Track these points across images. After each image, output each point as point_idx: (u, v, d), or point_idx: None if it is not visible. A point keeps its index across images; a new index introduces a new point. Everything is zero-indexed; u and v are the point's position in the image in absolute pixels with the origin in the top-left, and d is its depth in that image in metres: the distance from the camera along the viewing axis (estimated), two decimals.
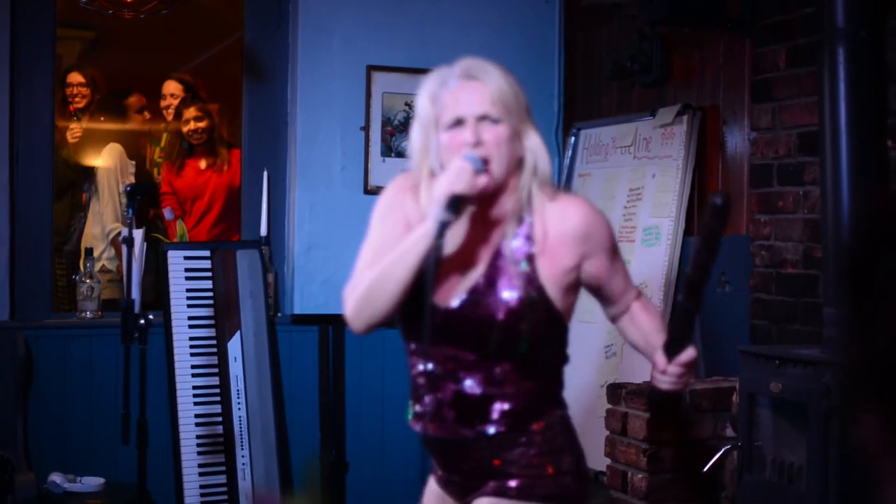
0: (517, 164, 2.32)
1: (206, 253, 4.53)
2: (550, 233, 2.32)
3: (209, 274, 4.49)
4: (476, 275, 2.32)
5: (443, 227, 2.18)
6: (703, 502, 3.58)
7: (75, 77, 5.70)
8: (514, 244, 2.31)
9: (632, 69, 4.52)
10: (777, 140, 3.89)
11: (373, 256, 2.32)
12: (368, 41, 4.94)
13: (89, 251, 4.83)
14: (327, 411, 4.40)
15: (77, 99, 5.66)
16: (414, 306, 2.29)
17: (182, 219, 5.48)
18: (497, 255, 2.32)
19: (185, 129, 5.41)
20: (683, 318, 2.30)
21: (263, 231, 4.86)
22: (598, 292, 2.44)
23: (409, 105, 4.72)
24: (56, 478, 4.18)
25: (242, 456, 4.38)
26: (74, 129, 5.63)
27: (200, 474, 4.33)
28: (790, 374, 3.16)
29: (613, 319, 2.51)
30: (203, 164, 5.45)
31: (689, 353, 2.30)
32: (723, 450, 3.41)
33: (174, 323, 4.40)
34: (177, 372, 4.35)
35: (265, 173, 4.91)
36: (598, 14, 4.79)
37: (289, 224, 4.93)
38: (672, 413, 3.61)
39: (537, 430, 2.34)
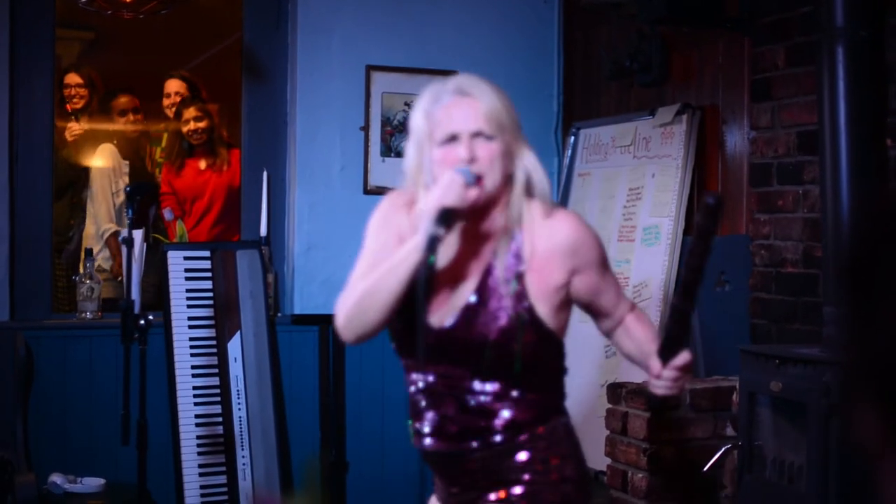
0: (508, 181, 2.32)
1: (206, 253, 4.53)
2: (539, 249, 2.31)
3: (209, 274, 4.49)
4: (468, 293, 2.32)
5: (433, 241, 2.18)
6: (703, 502, 3.58)
7: (73, 78, 5.69)
8: (505, 262, 2.31)
9: (631, 68, 4.52)
10: (776, 139, 3.89)
11: (366, 269, 2.33)
12: (368, 41, 4.94)
13: (89, 251, 4.83)
14: (327, 411, 4.40)
15: (75, 100, 5.66)
16: (407, 323, 2.30)
17: (182, 219, 5.48)
18: (488, 273, 2.32)
19: (184, 129, 5.41)
20: (678, 320, 2.28)
21: (263, 231, 4.86)
22: (590, 308, 2.42)
23: (409, 105, 4.72)
24: (56, 478, 4.18)
25: (243, 456, 4.38)
26: (73, 128, 5.62)
27: (201, 475, 4.33)
28: (790, 373, 3.16)
29: (608, 334, 2.49)
30: (203, 164, 5.45)
31: (683, 357, 2.28)
32: (723, 449, 3.41)
33: (174, 323, 4.40)
34: (177, 372, 4.35)
35: (265, 173, 4.91)
36: (597, 13, 4.79)
37: (288, 224, 4.93)
38: (672, 413, 3.61)
39: (541, 439, 2.34)
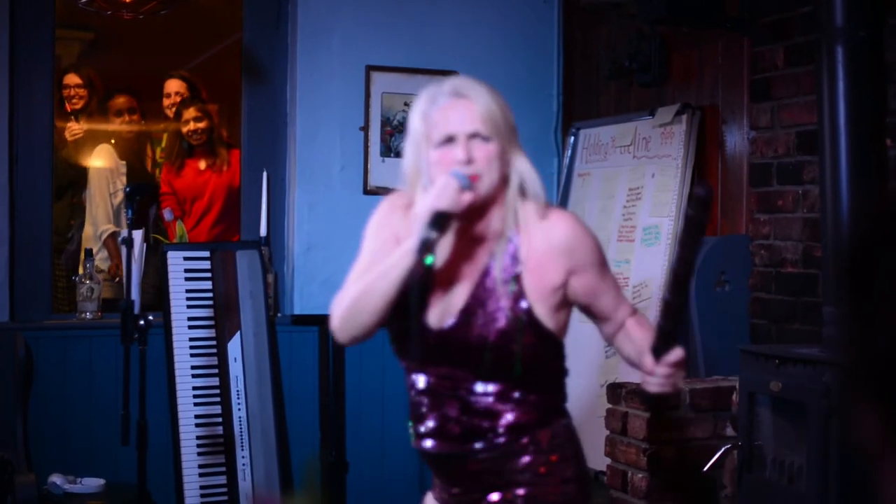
0: (504, 182, 2.32)
1: (206, 253, 4.53)
2: (535, 250, 2.31)
3: (209, 274, 4.49)
4: (466, 294, 2.32)
5: (425, 244, 2.19)
6: (702, 502, 3.58)
7: (72, 78, 5.69)
8: (502, 263, 2.31)
9: (630, 68, 4.52)
10: (776, 139, 3.89)
11: (362, 270, 2.35)
12: (368, 41, 4.94)
13: (89, 252, 4.83)
14: (327, 411, 4.40)
15: (74, 100, 5.65)
16: (405, 326, 2.30)
17: (182, 219, 5.48)
18: (485, 274, 2.32)
19: (184, 129, 5.41)
20: (670, 315, 2.26)
21: (263, 231, 4.86)
22: (589, 310, 2.42)
23: (409, 105, 4.71)
24: (56, 479, 4.18)
25: (242, 456, 4.38)
26: (73, 128, 5.62)
27: (201, 475, 4.33)
28: (790, 373, 3.16)
29: (610, 339, 2.48)
30: (203, 164, 5.45)
31: (676, 354, 2.26)
32: (723, 449, 3.41)
33: (174, 324, 4.40)
34: (177, 373, 4.35)
35: (265, 174, 4.92)
36: (597, 13, 4.79)
37: (288, 224, 4.93)
38: (671, 413, 3.61)
39: (543, 440, 2.35)
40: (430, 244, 2.19)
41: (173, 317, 4.40)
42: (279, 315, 4.85)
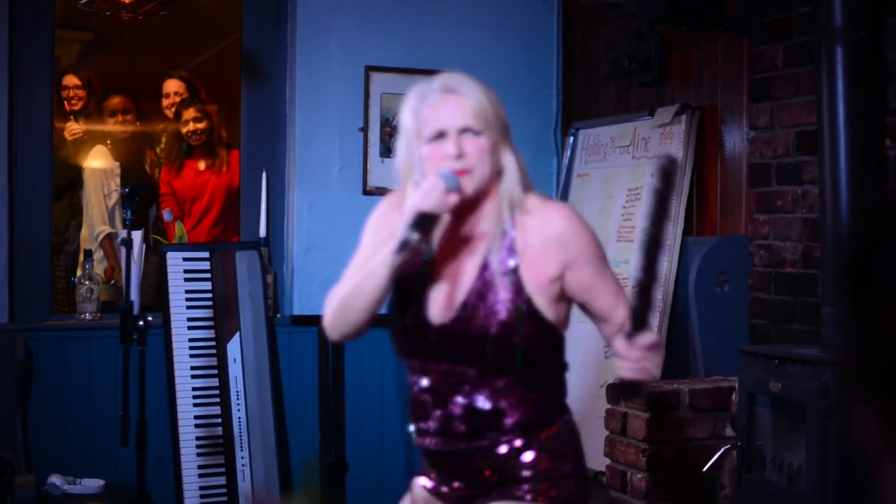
0: (497, 175, 2.33)
1: (206, 254, 4.53)
2: (532, 242, 2.32)
3: (208, 275, 4.49)
4: (466, 289, 2.33)
5: (405, 245, 2.20)
6: (702, 502, 3.58)
7: (71, 79, 5.69)
8: (499, 256, 2.32)
9: (630, 68, 4.52)
10: (775, 139, 3.89)
11: (355, 269, 2.37)
12: (367, 42, 4.94)
13: (88, 252, 4.82)
14: (327, 411, 4.40)
15: (73, 101, 5.65)
16: (406, 323, 2.33)
17: (181, 220, 5.48)
18: (484, 267, 2.33)
19: (184, 129, 5.41)
20: (642, 294, 2.18)
21: (262, 232, 4.86)
22: (587, 308, 2.40)
23: None
24: (56, 479, 4.18)
25: (242, 457, 4.38)
26: (73, 128, 5.62)
27: (200, 476, 4.33)
28: (789, 373, 3.16)
29: (609, 340, 2.43)
30: (202, 165, 5.44)
31: (647, 337, 2.19)
32: (722, 449, 3.41)
33: (173, 324, 4.40)
34: (176, 373, 4.35)
35: (264, 174, 4.91)
36: (597, 13, 4.79)
37: (288, 225, 4.93)
38: (671, 413, 3.61)
39: (547, 437, 2.35)
40: (410, 245, 2.20)
41: (173, 317, 4.40)
42: (279, 315, 4.85)
